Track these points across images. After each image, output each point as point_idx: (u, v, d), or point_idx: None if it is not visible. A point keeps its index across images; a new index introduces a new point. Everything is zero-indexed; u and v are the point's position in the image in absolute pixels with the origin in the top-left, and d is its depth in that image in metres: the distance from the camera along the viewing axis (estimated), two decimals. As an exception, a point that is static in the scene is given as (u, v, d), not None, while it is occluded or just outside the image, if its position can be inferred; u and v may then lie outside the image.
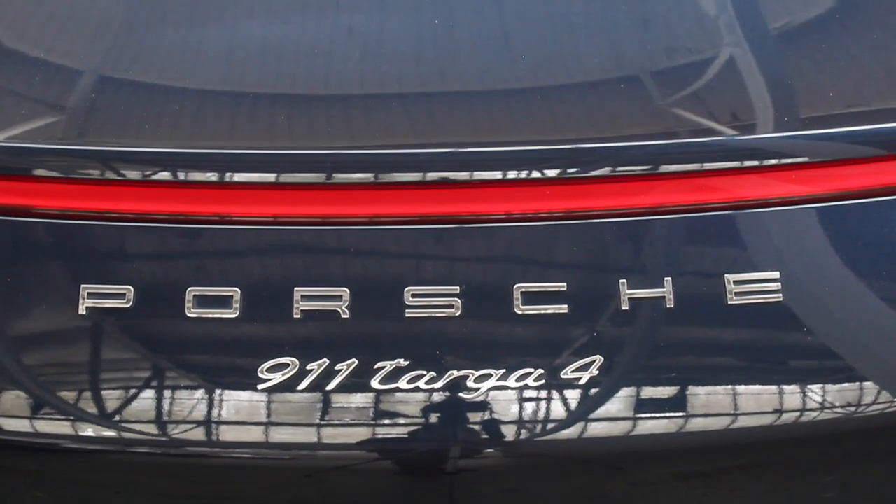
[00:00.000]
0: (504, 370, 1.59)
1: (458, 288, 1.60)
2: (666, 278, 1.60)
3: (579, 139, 1.60)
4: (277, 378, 1.59)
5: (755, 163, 1.61)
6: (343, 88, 1.64)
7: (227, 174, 1.60)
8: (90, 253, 1.63)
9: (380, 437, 1.59)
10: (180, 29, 1.74)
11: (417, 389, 1.58)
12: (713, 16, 1.73)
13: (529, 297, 1.59)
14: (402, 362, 1.58)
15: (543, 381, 1.59)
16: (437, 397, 1.58)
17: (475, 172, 1.60)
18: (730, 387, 1.61)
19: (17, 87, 1.67)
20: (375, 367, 1.59)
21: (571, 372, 1.59)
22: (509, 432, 1.59)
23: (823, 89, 1.64)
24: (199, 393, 1.59)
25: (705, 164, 1.61)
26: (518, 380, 1.59)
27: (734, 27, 1.70)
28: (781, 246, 1.62)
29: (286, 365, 1.59)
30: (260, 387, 1.59)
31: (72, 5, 1.78)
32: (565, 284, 1.60)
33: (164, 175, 1.61)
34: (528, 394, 1.59)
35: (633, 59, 1.67)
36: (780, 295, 1.60)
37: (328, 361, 1.59)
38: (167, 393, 1.60)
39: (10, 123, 1.62)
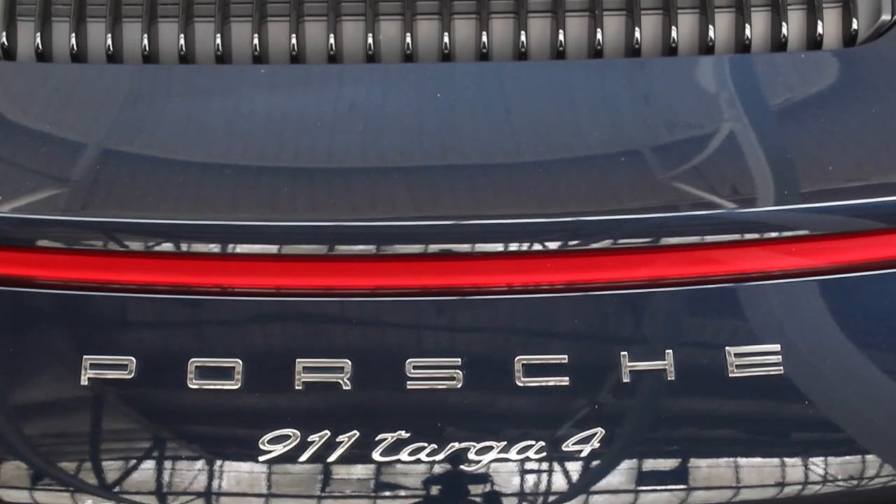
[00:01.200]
0: (505, 442, 1.59)
1: (459, 360, 1.60)
2: (667, 351, 1.60)
3: (580, 212, 1.60)
4: (279, 449, 1.58)
5: (756, 236, 1.62)
6: (345, 161, 1.65)
7: (230, 245, 1.61)
8: (92, 324, 1.63)
9: None
10: (183, 102, 1.75)
11: (419, 461, 1.58)
12: (713, 91, 1.75)
13: (530, 369, 1.60)
14: (404, 434, 1.58)
15: (545, 454, 1.58)
16: (438, 469, 1.58)
17: (476, 245, 1.60)
18: (732, 459, 1.60)
19: (21, 159, 1.68)
20: (377, 438, 1.58)
21: (573, 444, 1.58)
22: (511, 505, 1.59)
23: (823, 163, 1.65)
24: (201, 464, 1.59)
25: (706, 237, 1.61)
26: (519, 452, 1.58)
27: (734, 102, 1.71)
28: (782, 318, 1.62)
29: (288, 436, 1.58)
30: (261, 458, 1.58)
31: (78, 79, 1.80)
32: (566, 356, 1.60)
33: (167, 246, 1.61)
34: (529, 466, 1.58)
35: (634, 132, 1.68)
36: (781, 368, 1.60)
37: (329, 433, 1.59)
38: (168, 464, 1.59)
39: (15, 195, 1.63)
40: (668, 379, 1.60)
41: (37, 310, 1.63)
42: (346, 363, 1.60)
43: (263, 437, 1.59)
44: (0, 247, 1.63)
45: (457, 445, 1.58)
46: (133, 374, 1.60)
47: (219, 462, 1.59)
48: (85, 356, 1.61)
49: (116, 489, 1.59)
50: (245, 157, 1.66)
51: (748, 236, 1.61)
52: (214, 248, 1.61)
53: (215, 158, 1.66)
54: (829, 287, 1.63)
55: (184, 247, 1.61)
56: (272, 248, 1.61)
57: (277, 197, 1.62)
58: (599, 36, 1.80)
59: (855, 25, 1.81)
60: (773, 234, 1.62)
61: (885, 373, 1.62)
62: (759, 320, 1.62)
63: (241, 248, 1.61)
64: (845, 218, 1.63)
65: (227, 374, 1.60)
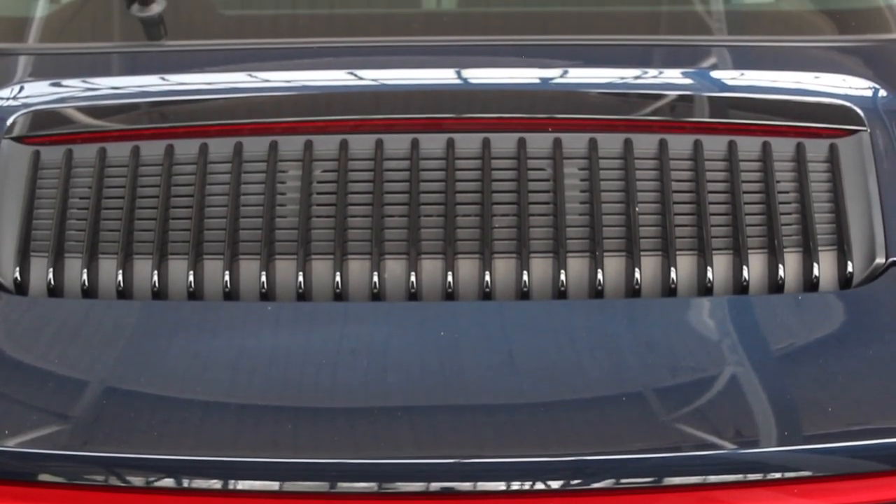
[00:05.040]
0: None
1: None
2: (672, 592, 1.59)
3: (582, 452, 1.61)
4: None
5: (758, 476, 1.61)
6: (349, 399, 1.66)
7: (231, 482, 1.61)
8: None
9: None
10: (191, 338, 1.78)
11: None
12: (713, 332, 1.78)
13: None
14: None
15: None
16: None
17: (478, 483, 1.60)
18: None
19: (26, 394, 1.70)
20: None
21: None
22: None
23: (823, 404, 1.66)
24: None
25: (708, 478, 1.61)
26: None
27: (733, 343, 1.74)
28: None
29: None
30: None
31: (87, 314, 1.83)
32: None
33: (168, 482, 1.61)
34: None
35: (635, 373, 1.69)
36: None
37: None
38: None
39: (18, 429, 1.63)
40: None
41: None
42: None
43: None
44: (1, 481, 1.63)
45: None
46: None
47: None
48: (83, 593, 1.59)
49: None
50: (249, 394, 1.68)
51: (750, 477, 1.61)
52: (216, 484, 1.61)
53: (220, 395, 1.68)
54: (834, 528, 1.62)
55: (185, 483, 1.61)
56: (273, 486, 1.61)
57: (280, 434, 1.63)
58: (600, 276, 1.84)
59: (850, 268, 1.85)
60: (776, 476, 1.61)
61: None
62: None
63: (243, 485, 1.61)
64: (847, 459, 1.63)
65: None
